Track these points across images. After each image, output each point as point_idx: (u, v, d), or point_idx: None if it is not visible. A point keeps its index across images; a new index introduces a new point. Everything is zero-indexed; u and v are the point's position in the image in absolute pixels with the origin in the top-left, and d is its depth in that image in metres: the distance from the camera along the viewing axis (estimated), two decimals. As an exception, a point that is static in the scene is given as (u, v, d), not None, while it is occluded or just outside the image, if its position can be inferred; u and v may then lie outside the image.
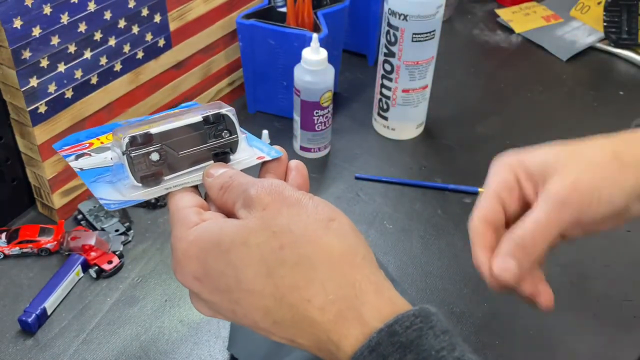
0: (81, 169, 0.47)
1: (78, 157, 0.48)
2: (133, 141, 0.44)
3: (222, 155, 0.47)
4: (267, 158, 0.47)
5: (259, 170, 0.48)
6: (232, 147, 0.47)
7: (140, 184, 0.45)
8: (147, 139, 0.44)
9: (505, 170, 0.50)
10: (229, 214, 0.43)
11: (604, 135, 0.50)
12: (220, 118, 0.46)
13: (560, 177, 0.47)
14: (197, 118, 0.46)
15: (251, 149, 0.49)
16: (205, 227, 0.41)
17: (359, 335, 0.38)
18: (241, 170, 0.46)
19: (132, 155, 0.44)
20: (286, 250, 0.39)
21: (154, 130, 0.44)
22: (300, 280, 0.39)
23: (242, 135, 0.48)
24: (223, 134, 0.46)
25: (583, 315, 0.73)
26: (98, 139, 0.51)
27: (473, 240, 0.50)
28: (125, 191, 0.45)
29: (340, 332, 0.38)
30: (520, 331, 0.72)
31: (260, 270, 0.39)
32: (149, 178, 0.45)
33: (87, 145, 0.50)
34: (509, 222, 0.50)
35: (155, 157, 0.45)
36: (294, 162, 0.47)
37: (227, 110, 0.47)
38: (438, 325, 0.38)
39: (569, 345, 0.70)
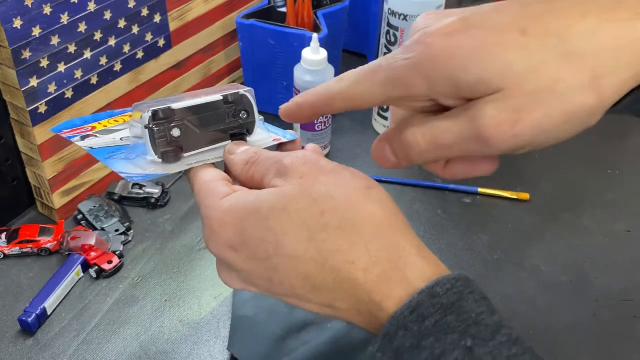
0: (91, 147, 0.47)
1: (84, 138, 0.48)
2: (155, 115, 0.44)
3: (239, 135, 0.47)
4: (283, 140, 0.48)
5: (276, 150, 0.48)
6: (249, 128, 0.47)
7: (160, 160, 0.45)
8: (169, 114, 0.44)
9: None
10: (256, 189, 0.43)
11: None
12: (239, 99, 0.47)
13: (497, 106, 0.35)
14: (217, 97, 0.46)
15: (266, 132, 0.49)
16: (240, 196, 0.41)
17: (403, 295, 0.38)
18: None
19: (154, 129, 0.44)
20: (327, 215, 0.39)
21: (176, 105, 0.45)
22: (343, 243, 0.38)
23: (260, 118, 0.48)
24: (241, 114, 0.47)
25: (583, 315, 0.73)
26: (100, 123, 0.50)
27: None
28: (145, 166, 0.45)
29: (383, 292, 0.38)
30: (521, 331, 0.71)
31: (302, 235, 0.39)
32: (169, 154, 0.45)
33: (90, 128, 0.50)
34: None
35: (176, 132, 0.45)
36: (311, 146, 0.48)
37: (246, 90, 0.47)
38: (477, 291, 0.38)
39: (569, 345, 0.70)
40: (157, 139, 0.44)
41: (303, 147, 0.49)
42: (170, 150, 0.45)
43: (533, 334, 0.71)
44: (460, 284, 0.37)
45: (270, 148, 0.48)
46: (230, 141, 0.47)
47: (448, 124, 0.37)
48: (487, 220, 0.85)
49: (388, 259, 0.38)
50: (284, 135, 0.49)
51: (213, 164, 0.46)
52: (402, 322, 0.37)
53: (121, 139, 0.48)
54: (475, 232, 0.83)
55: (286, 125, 0.97)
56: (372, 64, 0.40)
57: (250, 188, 0.43)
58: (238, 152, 0.45)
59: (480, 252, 0.80)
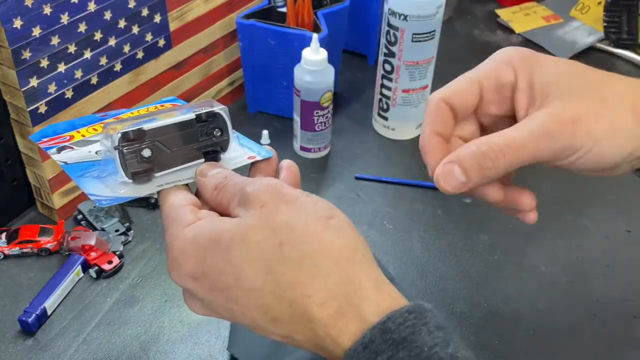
0: (65, 162, 0.46)
1: (60, 150, 0.48)
2: (125, 136, 0.43)
3: (213, 153, 0.46)
4: (258, 158, 0.47)
5: (249, 169, 0.47)
6: (223, 146, 0.47)
7: (130, 180, 0.44)
8: (140, 134, 0.44)
9: (497, 69, 0.48)
10: (223, 214, 0.43)
11: (627, 82, 0.46)
12: (212, 116, 0.46)
13: (561, 106, 0.44)
14: (190, 116, 0.45)
15: (241, 148, 0.48)
16: (203, 225, 0.41)
17: (357, 331, 0.38)
18: (232, 170, 0.45)
19: (124, 151, 0.43)
20: (286, 247, 0.39)
21: (147, 126, 0.44)
22: (300, 276, 0.39)
23: (233, 135, 0.47)
24: (215, 132, 0.46)
25: (583, 315, 0.73)
26: (78, 132, 0.50)
27: (426, 152, 0.49)
28: (115, 187, 0.44)
29: (339, 328, 0.38)
30: (520, 331, 0.72)
31: (260, 267, 0.39)
32: (140, 174, 0.44)
33: (68, 137, 0.49)
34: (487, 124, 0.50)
35: (147, 153, 0.44)
36: (286, 162, 0.47)
37: (220, 108, 0.46)
38: (432, 322, 0.38)
39: (569, 345, 0.70)
40: (127, 160, 0.43)
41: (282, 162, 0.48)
42: (141, 171, 0.44)
43: (533, 334, 0.71)
44: (413, 316, 0.37)
45: (246, 165, 0.47)
46: (203, 159, 0.46)
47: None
48: (487, 220, 0.85)
49: (344, 294, 0.38)
50: (259, 152, 0.48)
51: (186, 184, 0.45)
52: (355, 358, 0.37)
53: (96, 152, 0.47)
54: (475, 232, 0.83)
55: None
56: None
57: (219, 213, 0.43)
58: (209, 174, 0.45)
59: (480, 252, 0.80)
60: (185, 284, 0.42)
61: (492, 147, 0.44)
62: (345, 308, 0.38)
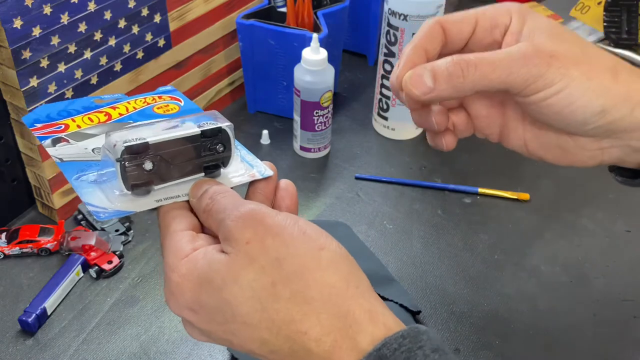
0: (61, 159, 0.46)
1: (55, 142, 0.47)
2: (128, 150, 0.43)
3: (213, 168, 0.46)
4: (258, 176, 0.47)
5: (247, 187, 0.47)
6: (225, 161, 0.46)
7: (129, 192, 0.44)
8: (143, 148, 0.43)
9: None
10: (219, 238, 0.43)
11: (610, 54, 0.49)
12: (217, 132, 0.45)
13: (544, 41, 0.46)
14: (195, 131, 0.45)
15: (242, 163, 0.48)
16: (196, 262, 0.41)
17: None
18: (231, 187, 0.45)
19: (125, 163, 0.43)
20: (278, 286, 0.39)
21: (151, 140, 0.43)
22: (295, 314, 0.39)
23: (236, 150, 0.47)
24: (217, 147, 0.46)
25: (583, 315, 0.73)
26: (73, 120, 0.49)
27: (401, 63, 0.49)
28: (114, 199, 0.44)
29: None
30: (520, 331, 0.72)
31: (255, 306, 0.39)
32: (140, 186, 0.44)
33: (63, 126, 0.48)
34: None
35: (148, 166, 0.44)
36: (283, 182, 0.47)
37: (226, 125, 0.46)
38: (428, 345, 0.38)
39: (569, 345, 0.70)
40: (128, 173, 0.43)
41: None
42: (141, 183, 0.44)
43: (533, 334, 0.71)
44: (407, 340, 0.38)
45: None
46: (203, 174, 0.46)
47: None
48: (487, 220, 0.85)
49: (339, 328, 0.39)
50: (259, 170, 0.47)
51: (187, 201, 0.45)
52: None
53: (93, 150, 0.46)
54: (475, 232, 0.83)
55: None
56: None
57: (215, 236, 0.43)
58: (197, 196, 0.44)
59: (480, 252, 0.80)
60: (183, 314, 0.42)
61: (465, 59, 0.45)
62: (341, 341, 0.39)
